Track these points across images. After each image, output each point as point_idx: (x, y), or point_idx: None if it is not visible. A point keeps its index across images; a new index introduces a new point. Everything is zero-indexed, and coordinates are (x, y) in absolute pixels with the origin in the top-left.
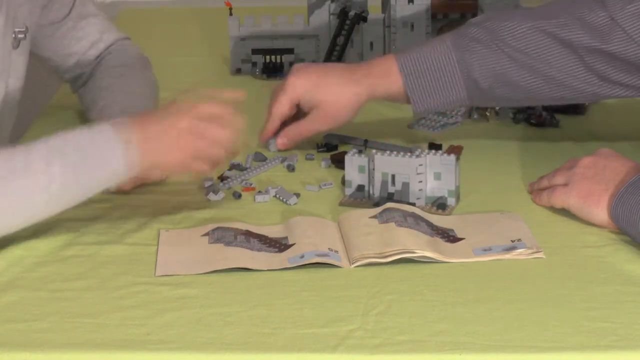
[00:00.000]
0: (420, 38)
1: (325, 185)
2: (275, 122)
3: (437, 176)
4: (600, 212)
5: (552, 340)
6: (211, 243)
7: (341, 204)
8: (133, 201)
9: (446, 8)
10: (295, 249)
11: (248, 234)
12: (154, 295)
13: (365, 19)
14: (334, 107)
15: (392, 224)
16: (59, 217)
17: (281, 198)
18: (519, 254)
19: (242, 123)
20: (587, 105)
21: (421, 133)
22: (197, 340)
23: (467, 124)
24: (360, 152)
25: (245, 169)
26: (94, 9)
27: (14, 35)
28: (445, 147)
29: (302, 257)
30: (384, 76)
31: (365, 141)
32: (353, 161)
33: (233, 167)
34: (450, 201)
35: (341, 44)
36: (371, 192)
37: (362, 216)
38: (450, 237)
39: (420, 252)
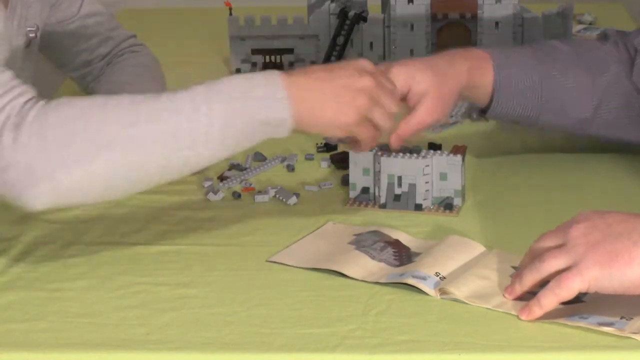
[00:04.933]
0: (420, 38)
1: (324, 185)
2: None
3: (443, 177)
4: (636, 269)
5: (552, 340)
6: (347, 243)
7: (347, 206)
8: (133, 201)
9: (446, 8)
10: (407, 267)
11: (392, 244)
12: (154, 295)
13: (365, 19)
14: (442, 94)
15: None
16: (60, 216)
17: (281, 198)
18: (608, 330)
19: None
20: None
21: (421, 133)
22: (197, 340)
23: (467, 124)
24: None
25: (245, 169)
26: (101, 8)
27: (25, 35)
28: (444, 146)
29: (402, 275)
30: (481, 60)
31: None
32: (357, 163)
33: (232, 167)
34: (457, 201)
35: (341, 44)
36: (377, 194)
37: (509, 260)
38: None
39: (510, 311)
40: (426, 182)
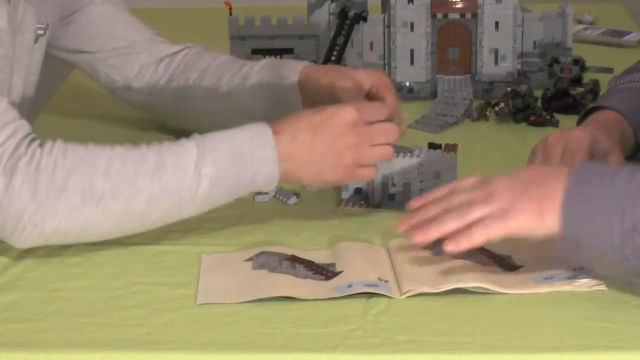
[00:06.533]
0: (420, 38)
1: None
2: None
3: (436, 175)
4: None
5: (552, 340)
6: (255, 269)
7: (341, 207)
8: None
9: (446, 8)
10: (343, 277)
11: (293, 259)
12: (153, 295)
13: (365, 19)
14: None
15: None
16: None
17: (281, 198)
18: (580, 285)
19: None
20: (585, 105)
21: (420, 133)
22: (197, 340)
23: (467, 124)
24: None
25: None
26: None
27: (34, 31)
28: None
29: (350, 286)
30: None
31: None
32: None
33: None
34: None
35: (341, 44)
36: (370, 194)
37: (414, 248)
38: (509, 265)
39: (475, 284)
40: (421, 182)
